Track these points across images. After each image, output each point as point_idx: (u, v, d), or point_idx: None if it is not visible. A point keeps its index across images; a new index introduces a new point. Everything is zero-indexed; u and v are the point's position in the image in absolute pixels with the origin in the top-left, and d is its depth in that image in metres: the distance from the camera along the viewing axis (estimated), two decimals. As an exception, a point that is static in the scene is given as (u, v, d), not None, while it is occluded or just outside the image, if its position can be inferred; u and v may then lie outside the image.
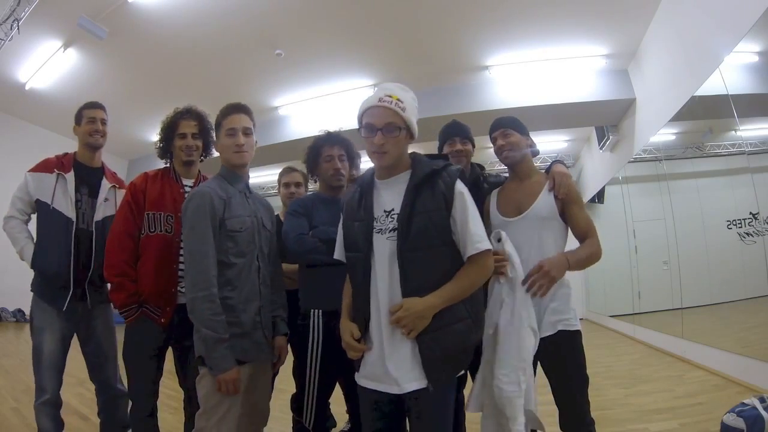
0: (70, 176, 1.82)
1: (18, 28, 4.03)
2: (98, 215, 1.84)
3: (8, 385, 3.09)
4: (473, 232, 1.12)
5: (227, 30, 4.50)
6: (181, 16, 4.26)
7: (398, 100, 1.15)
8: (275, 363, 1.58)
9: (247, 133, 1.47)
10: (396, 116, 1.14)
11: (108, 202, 1.89)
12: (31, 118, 6.06)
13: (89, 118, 1.88)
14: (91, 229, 1.82)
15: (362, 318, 1.17)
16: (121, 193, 1.95)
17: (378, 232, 1.16)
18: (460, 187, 1.16)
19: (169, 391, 2.24)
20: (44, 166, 1.83)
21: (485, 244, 1.13)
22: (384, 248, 1.14)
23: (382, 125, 1.13)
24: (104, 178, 1.91)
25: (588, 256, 1.44)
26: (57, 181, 1.80)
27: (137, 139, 6.93)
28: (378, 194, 1.21)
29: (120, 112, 6.10)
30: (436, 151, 1.72)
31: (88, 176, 1.88)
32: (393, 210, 1.16)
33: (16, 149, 5.74)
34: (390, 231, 1.14)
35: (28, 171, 1.84)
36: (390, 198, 1.19)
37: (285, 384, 1.88)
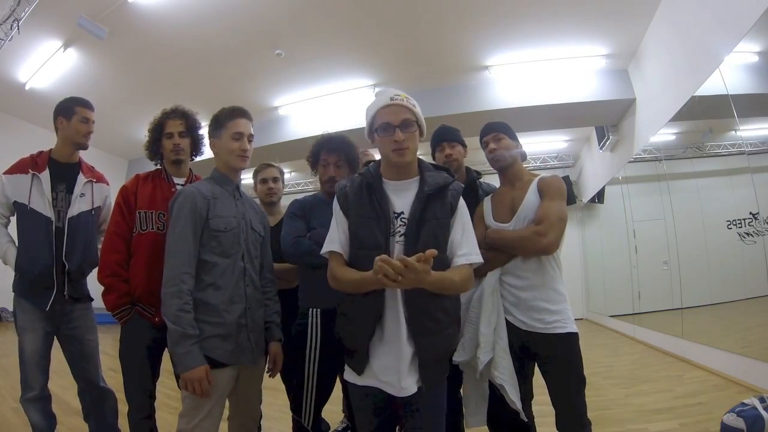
0: (45, 175, 1.80)
1: (18, 28, 4.03)
2: (73, 211, 1.83)
3: (8, 385, 3.09)
4: (465, 245, 1.17)
5: (227, 30, 4.50)
6: (181, 16, 4.26)
7: (407, 98, 1.19)
8: (271, 370, 1.56)
9: (250, 140, 1.51)
10: (410, 112, 1.17)
11: (84, 198, 1.87)
12: (31, 118, 6.05)
13: (83, 118, 1.86)
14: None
15: (374, 316, 1.14)
16: (98, 187, 1.95)
17: (391, 235, 1.16)
18: (463, 201, 1.23)
19: (169, 391, 2.24)
20: (19, 167, 1.82)
21: (473, 258, 1.16)
22: (393, 250, 1.14)
23: (399, 122, 1.15)
24: (80, 173, 1.89)
25: (515, 239, 1.43)
26: (32, 182, 1.78)
27: (137, 139, 6.86)
28: (386, 195, 1.21)
29: (120, 112, 6.12)
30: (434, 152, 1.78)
31: (64, 173, 1.86)
32: (402, 213, 1.17)
33: (16, 149, 5.67)
34: (400, 235, 1.15)
35: (3, 173, 1.82)
36: (399, 201, 1.19)
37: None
